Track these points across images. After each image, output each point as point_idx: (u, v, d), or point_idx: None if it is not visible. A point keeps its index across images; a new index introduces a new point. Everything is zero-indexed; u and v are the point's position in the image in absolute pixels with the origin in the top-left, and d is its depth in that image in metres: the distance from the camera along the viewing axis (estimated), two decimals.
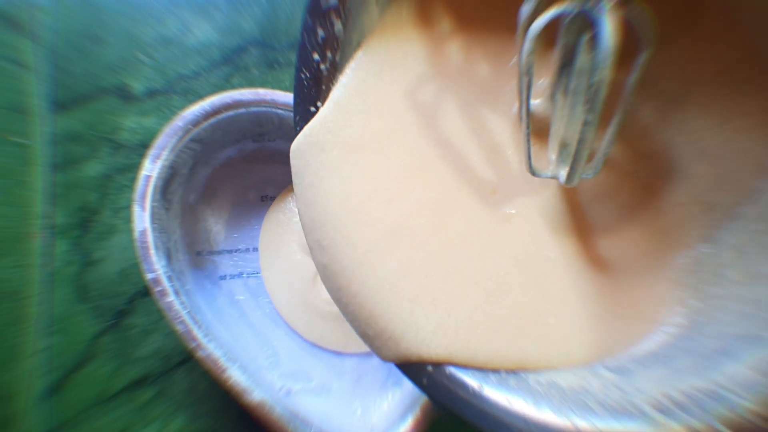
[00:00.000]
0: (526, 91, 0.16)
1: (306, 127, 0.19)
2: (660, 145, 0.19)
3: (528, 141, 0.18)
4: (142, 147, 0.34)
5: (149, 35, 0.35)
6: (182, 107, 0.29)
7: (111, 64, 0.34)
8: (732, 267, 0.17)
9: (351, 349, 0.33)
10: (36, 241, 0.32)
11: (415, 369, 0.17)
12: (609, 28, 0.14)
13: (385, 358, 0.17)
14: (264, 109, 0.30)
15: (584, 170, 0.18)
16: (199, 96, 0.29)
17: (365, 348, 0.31)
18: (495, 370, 0.17)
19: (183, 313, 0.27)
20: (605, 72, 0.14)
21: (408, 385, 0.30)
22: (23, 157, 0.33)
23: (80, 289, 0.32)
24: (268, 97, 0.30)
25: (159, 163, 0.28)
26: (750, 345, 0.14)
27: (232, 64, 0.35)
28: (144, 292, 0.33)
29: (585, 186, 0.20)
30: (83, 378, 0.31)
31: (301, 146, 0.19)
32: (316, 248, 0.18)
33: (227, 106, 0.29)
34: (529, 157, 0.18)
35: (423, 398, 0.27)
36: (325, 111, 0.19)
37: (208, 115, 0.29)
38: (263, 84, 0.35)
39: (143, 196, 0.28)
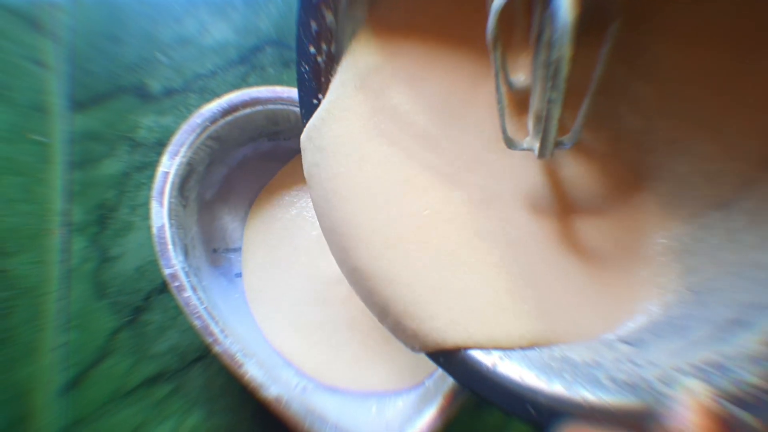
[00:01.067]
0: (494, 66, 0.16)
1: (310, 121, 0.20)
2: (653, 119, 0.18)
3: (502, 115, 0.18)
4: (159, 145, 0.34)
5: (167, 35, 0.35)
6: (199, 106, 0.29)
7: (129, 64, 0.35)
8: (746, 231, 0.16)
9: (342, 383, 0.31)
10: (55, 237, 0.33)
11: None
12: (565, 2, 0.13)
13: (408, 347, 0.18)
14: (281, 106, 0.30)
15: (563, 141, 0.18)
16: (216, 95, 0.29)
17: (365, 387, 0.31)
18: (509, 348, 0.17)
19: (200, 309, 0.27)
20: (564, 49, 0.14)
21: (423, 384, 0.30)
22: (43, 155, 0.33)
23: (98, 286, 0.32)
24: (285, 95, 0.30)
25: (177, 160, 0.29)
26: (764, 314, 0.14)
27: (248, 64, 0.36)
28: (160, 289, 0.33)
29: (567, 162, 0.19)
30: (101, 374, 0.31)
31: (306, 139, 0.20)
32: (328, 233, 0.19)
33: (245, 104, 0.30)
34: (504, 131, 0.18)
35: (438, 396, 0.27)
36: (324, 106, 0.19)
37: (225, 112, 0.29)
38: (279, 83, 0.35)
39: (161, 193, 0.28)
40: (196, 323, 0.27)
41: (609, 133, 0.19)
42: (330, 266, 0.33)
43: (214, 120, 0.29)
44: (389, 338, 0.31)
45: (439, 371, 0.29)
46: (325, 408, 0.28)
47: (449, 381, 0.27)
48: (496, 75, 0.17)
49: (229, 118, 0.30)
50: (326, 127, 0.19)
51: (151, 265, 0.33)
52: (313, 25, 0.19)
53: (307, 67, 0.19)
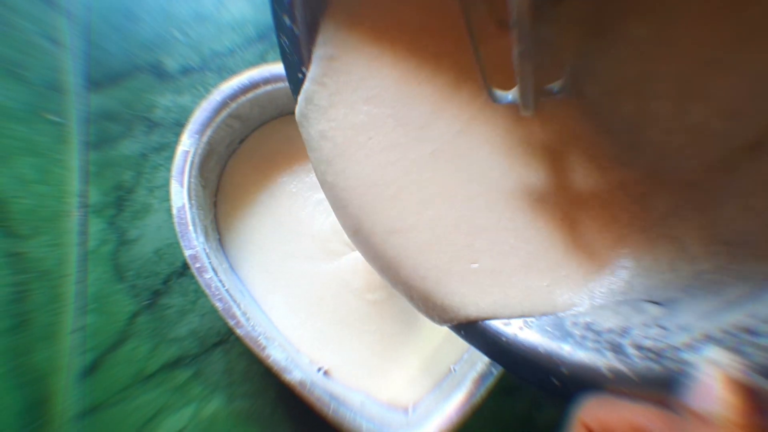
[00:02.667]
0: (466, 17, 0.15)
1: (299, 99, 0.19)
2: (656, 61, 0.17)
3: (482, 68, 0.16)
4: (177, 125, 0.33)
5: (184, 12, 0.34)
6: (217, 85, 0.28)
7: (146, 42, 0.34)
8: None
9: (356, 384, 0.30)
10: (72, 219, 0.32)
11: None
12: None
13: (434, 321, 0.18)
14: None
15: (552, 88, 0.16)
16: (234, 74, 0.28)
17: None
18: (529, 316, 0.17)
19: (222, 290, 0.26)
20: None
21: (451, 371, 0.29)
22: (59, 135, 0.33)
23: (116, 269, 0.32)
24: None
25: (197, 139, 0.28)
26: None
27: (267, 41, 0.35)
28: (179, 272, 0.32)
29: (556, 125, 0.18)
30: (120, 358, 0.31)
31: (299, 115, 0.19)
32: (336, 206, 0.19)
33: (265, 80, 0.29)
34: (488, 87, 0.17)
35: (466, 382, 0.26)
36: (308, 84, 0.19)
37: (245, 89, 0.29)
38: None
39: (181, 172, 0.27)
40: (218, 305, 0.26)
41: (605, 84, 0.18)
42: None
43: (234, 97, 0.28)
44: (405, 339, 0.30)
45: (466, 357, 0.29)
46: (347, 395, 0.27)
47: (477, 367, 0.26)
48: (468, 27, 0.15)
49: (249, 95, 0.29)
50: (313, 113, 0.19)
51: (169, 248, 0.32)
52: None
53: (286, 40, 0.19)
